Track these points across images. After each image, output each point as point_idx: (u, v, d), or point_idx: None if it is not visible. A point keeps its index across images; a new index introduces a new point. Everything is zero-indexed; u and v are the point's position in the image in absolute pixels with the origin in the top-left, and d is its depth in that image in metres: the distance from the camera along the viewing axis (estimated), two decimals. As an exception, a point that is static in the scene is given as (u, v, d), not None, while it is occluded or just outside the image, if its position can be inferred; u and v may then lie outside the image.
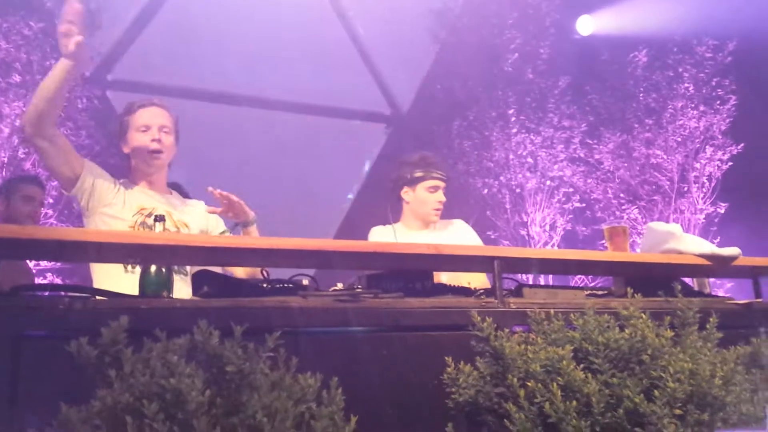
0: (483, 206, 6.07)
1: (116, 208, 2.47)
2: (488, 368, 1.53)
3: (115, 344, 1.28)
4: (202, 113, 5.48)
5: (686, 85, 6.41)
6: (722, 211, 6.05)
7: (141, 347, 1.29)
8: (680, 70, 6.42)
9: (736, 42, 6.26)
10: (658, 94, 6.48)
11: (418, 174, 3.08)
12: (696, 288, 2.76)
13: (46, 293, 1.78)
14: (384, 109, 6.41)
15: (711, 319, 1.67)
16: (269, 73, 5.71)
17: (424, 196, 3.09)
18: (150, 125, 2.58)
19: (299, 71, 5.79)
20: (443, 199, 3.12)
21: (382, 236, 3.10)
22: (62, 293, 1.71)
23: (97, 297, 1.77)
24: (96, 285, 2.27)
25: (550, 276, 4.57)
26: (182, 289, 2.30)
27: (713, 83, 6.35)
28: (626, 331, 1.47)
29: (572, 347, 1.45)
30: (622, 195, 6.31)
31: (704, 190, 6.22)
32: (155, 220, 2.26)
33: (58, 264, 4.49)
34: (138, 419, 1.12)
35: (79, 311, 1.52)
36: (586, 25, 6.91)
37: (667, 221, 6.12)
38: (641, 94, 6.49)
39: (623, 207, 6.26)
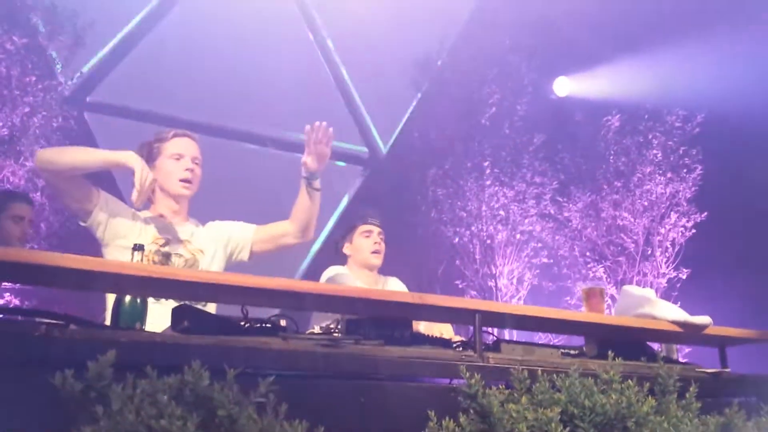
0: (453, 255, 6.11)
1: (131, 239, 2.45)
2: (473, 426, 1.52)
3: (100, 379, 1.24)
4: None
5: (655, 151, 6.61)
6: (684, 277, 6.19)
7: (123, 381, 1.26)
8: (650, 136, 6.63)
9: (704, 114, 6.50)
10: (627, 158, 6.67)
11: (351, 225, 3.31)
12: (663, 353, 2.80)
13: (18, 317, 1.73)
14: (362, 152, 6.45)
15: (691, 389, 1.70)
16: (250, 107, 5.72)
17: (359, 242, 3.26)
18: (183, 155, 2.58)
19: (282, 107, 5.81)
20: (379, 241, 3.26)
21: (340, 273, 3.16)
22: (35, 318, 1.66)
23: (71, 325, 1.72)
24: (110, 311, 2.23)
25: (514, 331, 4.59)
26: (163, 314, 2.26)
27: (681, 152, 6.56)
28: (612, 396, 1.48)
29: (559, 410, 1.46)
30: (588, 254, 6.42)
31: (667, 254, 6.36)
32: (134, 249, 2.23)
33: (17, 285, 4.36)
34: (125, 460, 1.08)
35: (56, 340, 1.47)
36: (563, 87, 7.12)
37: (631, 283, 6.24)
38: (611, 157, 6.67)
39: (589, 265, 6.37)
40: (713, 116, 6.45)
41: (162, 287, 1.92)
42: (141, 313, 2.12)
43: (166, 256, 2.57)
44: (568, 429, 1.44)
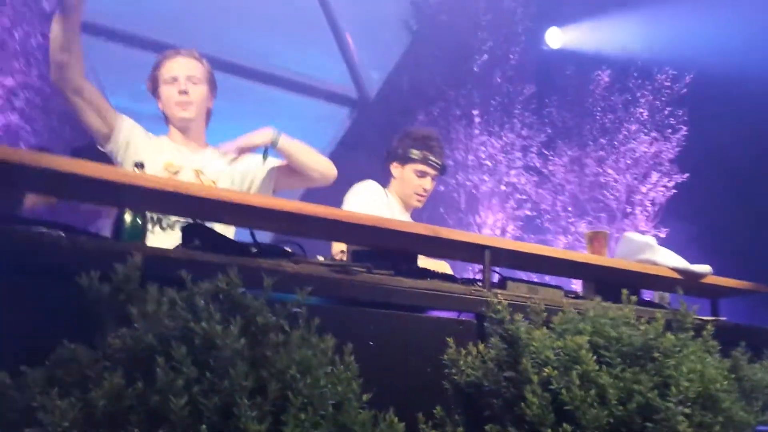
0: (437, 203, 6.08)
1: (148, 167, 2.35)
2: (496, 352, 1.51)
3: (129, 282, 1.18)
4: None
5: (641, 110, 6.62)
6: (662, 236, 6.28)
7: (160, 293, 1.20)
8: (638, 94, 6.63)
9: (693, 75, 6.50)
10: (614, 115, 6.67)
11: (411, 153, 2.95)
12: (656, 301, 2.83)
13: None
14: (351, 92, 6.32)
15: (708, 327, 1.71)
16: (233, 36, 5.51)
17: (410, 177, 2.97)
18: (177, 77, 2.47)
19: (264, 38, 5.63)
20: (429, 187, 3.01)
21: (375, 191, 2.94)
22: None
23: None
24: None
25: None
26: (164, 243, 2.19)
27: (666, 112, 6.58)
28: (642, 327, 1.48)
29: (587, 337, 1.45)
30: (570, 209, 6.46)
31: (647, 213, 6.43)
32: (135, 166, 2.14)
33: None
34: (163, 364, 1.03)
35: (84, 249, 1.40)
36: (556, 38, 7.03)
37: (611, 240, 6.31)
38: (599, 113, 6.66)
39: (570, 220, 6.41)
40: (701, 77, 6.46)
41: (166, 201, 1.84)
42: (141, 233, 2.06)
43: (139, 167, 2.44)
44: (594, 358, 1.43)
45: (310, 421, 1.04)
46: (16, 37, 4.43)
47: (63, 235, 1.39)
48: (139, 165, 2.14)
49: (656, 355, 1.45)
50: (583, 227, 6.24)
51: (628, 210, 6.45)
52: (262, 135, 2.45)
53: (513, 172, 6.24)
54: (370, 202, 2.85)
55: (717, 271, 2.65)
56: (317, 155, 2.60)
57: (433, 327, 1.90)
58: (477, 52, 6.36)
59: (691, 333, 1.67)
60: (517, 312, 1.68)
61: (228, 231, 2.32)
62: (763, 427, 1.72)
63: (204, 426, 0.96)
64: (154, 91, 2.52)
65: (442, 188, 6.20)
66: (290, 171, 2.58)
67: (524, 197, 6.30)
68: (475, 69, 6.32)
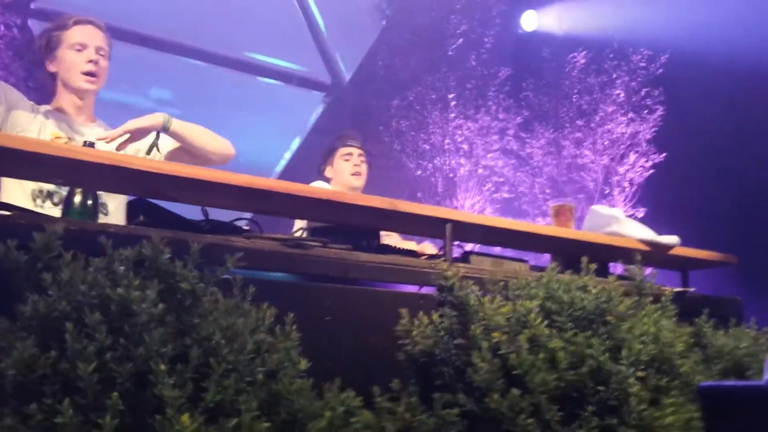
0: (415, 188, 6.04)
1: (31, 135, 2.23)
2: (447, 320, 1.46)
3: (48, 251, 1.12)
4: (127, 56, 5.14)
5: (618, 91, 6.59)
6: (640, 216, 6.26)
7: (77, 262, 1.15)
8: (614, 76, 6.59)
9: (668, 55, 6.48)
10: (590, 97, 6.64)
11: (332, 146, 3.26)
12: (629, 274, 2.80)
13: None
14: (324, 77, 6.25)
15: (666, 292, 1.67)
16: (205, 22, 5.43)
17: (339, 165, 3.23)
18: (86, 44, 2.35)
19: (237, 24, 5.55)
20: (359, 162, 3.22)
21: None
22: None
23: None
24: None
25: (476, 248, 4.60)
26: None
27: (643, 93, 6.56)
28: (592, 291, 1.43)
29: (538, 302, 1.41)
30: (548, 190, 6.43)
31: (625, 194, 6.42)
32: (84, 145, 2.06)
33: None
34: (77, 329, 0.98)
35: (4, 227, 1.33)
36: (531, 21, 6.99)
37: (588, 221, 6.28)
38: (575, 95, 6.62)
39: (548, 202, 6.38)
40: (677, 56, 6.44)
41: (107, 177, 1.76)
42: (92, 214, 1.99)
43: (89, 146, 2.33)
44: (546, 323, 1.39)
45: (234, 388, 0.99)
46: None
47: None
48: (89, 144, 2.07)
49: (609, 318, 1.41)
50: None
51: (606, 191, 6.43)
52: (152, 119, 2.32)
53: (490, 155, 6.20)
54: None
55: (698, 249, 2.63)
56: (214, 136, 2.48)
57: (393, 301, 1.85)
58: (451, 36, 6.30)
59: (649, 299, 1.63)
60: (475, 283, 1.64)
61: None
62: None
63: (116, 393, 0.91)
64: (50, 51, 2.37)
65: (419, 173, 6.17)
66: (186, 154, 2.49)
67: (502, 180, 6.26)
68: (450, 53, 6.27)
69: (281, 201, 1.98)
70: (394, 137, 6.16)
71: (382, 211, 2.04)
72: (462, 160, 6.13)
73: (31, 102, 2.34)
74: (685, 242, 2.60)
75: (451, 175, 6.10)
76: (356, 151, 3.25)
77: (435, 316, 1.55)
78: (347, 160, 3.23)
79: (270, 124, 5.36)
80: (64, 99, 2.39)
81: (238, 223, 2.03)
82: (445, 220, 2.06)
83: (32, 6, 5.10)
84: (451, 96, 6.18)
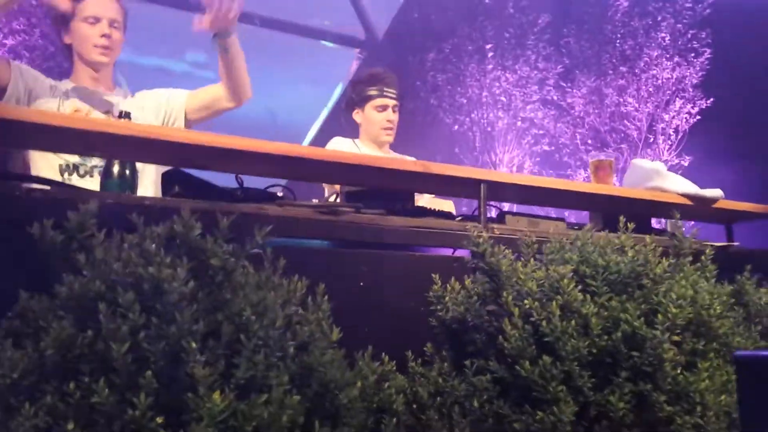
0: (452, 143, 5.97)
1: (51, 110, 2.28)
2: (479, 286, 1.45)
3: (83, 230, 1.15)
4: (162, 19, 5.14)
5: (663, 34, 6.35)
6: (686, 164, 6.10)
7: (112, 236, 1.17)
8: (659, 18, 6.35)
9: (716, -6, 6.21)
10: (634, 42, 6.42)
11: (366, 93, 2.98)
12: (670, 231, 2.74)
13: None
14: (358, 32, 6.16)
15: (707, 251, 1.63)
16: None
17: (372, 115, 2.99)
18: (100, 17, 2.36)
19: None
20: (393, 117, 3.00)
21: (342, 147, 2.95)
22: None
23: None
24: None
25: (514, 207, 4.55)
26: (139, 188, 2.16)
27: (689, 35, 6.30)
28: (628, 254, 1.41)
29: (571, 267, 1.39)
30: (590, 141, 6.29)
31: (670, 142, 6.24)
32: (120, 116, 2.09)
33: None
34: (111, 309, 1.00)
35: (39, 199, 1.38)
36: (571, -36, 6.73)
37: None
38: (618, 41, 6.41)
39: (591, 153, 6.25)
40: (726, -4, 6.16)
41: (142, 149, 1.80)
42: (131, 184, 2.02)
43: (125, 117, 2.39)
44: (579, 288, 1.37)
45: (265, 364, 1.01)
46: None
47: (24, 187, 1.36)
48: (125, 114, 2.10)
49: (645, 282, 1.38)
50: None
51: (651, 139, 6.26)
52: (232, 13, 2.34)
53: (529, 107, 6.07)
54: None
55: (744, 199, 2.55)
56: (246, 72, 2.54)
57: (427, 265, 1.85)
58: (488, -18, 6.13)
59: (689, 258, 1.59)
60: (511, 246, 1.62)
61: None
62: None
63: (149, 372, 0.94)
64: (64, 23, 2.40)
65: (456, 127, 6.08)
66: (202, 101, 2.52)
67: (542, 132, 6.14)
68: (487, 1, 6.09)
69: (314, 167, 1.99)
70: (431, 92, 6.08)
71: (415, 174, 2.03)
72: (500, 113, 6.02)
73: (50, 80, 2.38)
74: (732, 192, 2.52)
75: (489, 129, 6.00)
76: (392, 103, 3.00)
77: (467, 282, 1.55)
78: (382, 111, 2.98)
79: (306, 82, 5.33)
80: (81, 71, 2.43)
81: (272, 190, 2.05)
82: (479, 181, 2.04)
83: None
84: (488, 47, 6.04)
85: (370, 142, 3.03)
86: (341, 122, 3.17)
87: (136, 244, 1.09)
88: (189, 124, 2.57)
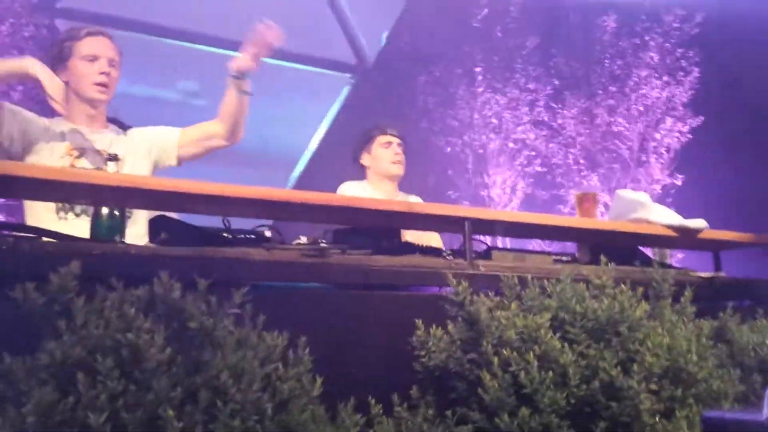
0: (445, 165, 6.00)
1: (44, 155, 2.31)
2: (460, 333, 1.47)
3: (65, 292, 1.17)
4: (153, 49, 5.18)
5: (651, 53, 6.41)
6: (678, 183, 6.13)
7: (94, 296, 1.19)
8: (647, 38, 6.40)
9: (704, 14, 6.26)
10: (623, 62, 6.47)
11: (370, 135, 3.22)
12: (657, 259, 2.77)
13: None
14: (349, 58, 6.21)
15: (686, 293, 1.65)
16: (229, 11, 5.43)
17: (379, 153, 3.20)
18: (99, 56, 2.41)
19: (262, 11, 5.53)
20: (399, 150, 3.20)
21: (354, 191, 3.12)
22: (4, 231, 1.58)
23: (45, 239, 1.64)
24: None
25: (507, 239, 4.57)
26: (130, 229, 2.18)
27: (678, 54, 6.36)
28: (605, 301, 1.42)
29: (549, 315, 1.41)
30: (582, 161, 6.32)
31: (662, 161, 6.28)
32: (108, 159, 2.11)
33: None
34: (90, 375, 1.02)
35: (25, 253, 1.39)
36: (558, -14, 6.81)
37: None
38: (607, 61, 6.46)
39: (583, 173, 6.29)
40: (712, 16, 6.21)
41: (136, 197, 1.82)
42: (119, 226, 2.04)
43: (112, 159, 2.42)
44: (558, 335, 1.39)
45: (242, 428, 1.03)
46: (3, 30, 4.41)
47: (11, 238, 1.38)
48: (113, 157, 2.12)
49: (621, 329, 1.40)
50: (595, 180, 6.12)
51: (642, 159, 6.30)
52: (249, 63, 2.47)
53: (520, 128, 6.11)
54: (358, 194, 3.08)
55: (738, 217, 2.57)
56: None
57: (413, 304, 1.87)
58: (476, 7, 6.18)
59: (669, 300, 1.62)
60: (496, 284, 1.64)
61: None
62: None
63: (127, 441, 0.95)
64: (61, 61, 2.44)
65: (448, 150, 6.12)
66: (195, 139, 2.58)
67: (533, 153, 6.17)
68: (475, 24, 6.15)
69: (300, 210, 2.02)
70: (422, 115, 6.12)
71: (400, 213, 2.05)
72: (492, 135, 6.06)
73: (44, 121, 2.40)
74: (725, 211, 2.55)
75: (481, 150, 6.04)
76: (396, 140, 3.22)
77: (450, 327, 1.56)
78: (387, 147, 3.20)
79: (297, 108, 5.35)
80: (76, 110, 2.46)
81: (260, 229, 2.07)
82: (464, 219, 2.06)
83: (58, 6, 5.18)
84: (477, 69, 6.08)
85: (382, 178, 3.22)
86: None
87: (115, 309, 1.11)
88: (180, 161, 2.61)
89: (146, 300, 1.15)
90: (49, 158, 2.32)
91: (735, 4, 6.02)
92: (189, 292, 1.22)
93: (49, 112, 2.55)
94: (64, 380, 1.05)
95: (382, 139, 3.21)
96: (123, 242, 1.92)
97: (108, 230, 2.01)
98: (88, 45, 2.40)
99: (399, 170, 3.21)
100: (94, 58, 2.38)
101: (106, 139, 2.46)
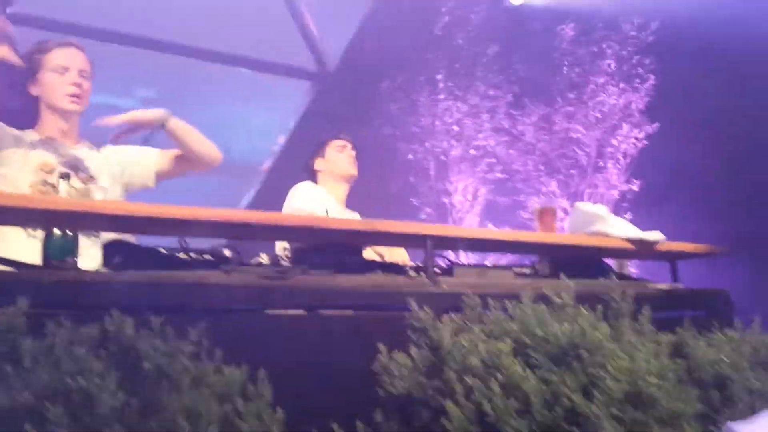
0: (407, 172, 6.01)
1: (15, 168, 2.25)
2: (423, 360, 1.46)
3: (12, 331, 1.12)
4: (113, 57, 5.08)
5: (608, 61, 6.50)
6: (635, 189, 6.24)
7: (43, 328, 1.15)
8: (604, 46, 6.49)
9: (659, 22, 6.38)
10: (581, 69, 6.54)
11: (323, 140, 3.35)
12: (616, 269, 2.81)
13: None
14: (309, 65, 6.17)
15: (644, 313, 1.67)
16: (188, 19, 5.36)
17: (334, 155, 3.32)
18: (69, 67, 2.37)
19: (220, 18, 5.47)
20: (353, 153, 3.33)
21: (309, 192, 3.21)
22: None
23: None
24: None
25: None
26: (90, 251, 2.12)
27: (634, 61, 6.47)
28: (565, 326, 1.43)
29: (511, 341, 1.40)
30: (541, 167, 6.38)
31: (619, 167, 6.38)
32: (60, 177, 2.06)
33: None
34: (39, 423, 0.98)
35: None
36: (518, -6, 6.87)
37: (582, 196, 6.27)
38: (565, 68, 6.53)
39: (542, 179, 6.35)
40: (667, 23, 6.33)
41: (84, 220, 1.78)
42: (72, 246, 1.99)
43: (52, 188, 2.38)
44: (520, 358, 1.39)
45: (199, 473, 1.00)
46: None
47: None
48: (65, 175, 2.07)
49: (582, 353, 1.41)
50: (554, 186, 6.19)
51: (600, 164, 6.39)
52: (154, 113, 2.42)
53: (481, 135, 6.15)
54: (312, 202, 3.12)
55: (693, 221, 2.62)
56: (205, 139, 2.55)
57: (377, 324, 1.85)
58: (438, 14, 6.20)
59: (628, 320, 1.63)
60: (457, 302, 1.64)
61: None
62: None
63: (78, 494, 0.91)
64: (31, 75, 2.39)
65: (410, 156, 6.12)
66: (176, 158, 2.55)
67: (494, 159, 6.22)
68: (438, 32, 6.17)
69: (260, 229, 2.00)
70: (385, 121, 6.11)
71: (362, 232, 2.04)
72: (453, 142, 6.09)
73: (14, 131, 2.34)
74: (683, 215, 2.59)
75: (442, 157, 6.06)
76: (349, 145, 3.36)
77: (413, 352, 1.55)
78: (341, 152, 3.32)
79: (259, 116, 5.30)
80: (49, 122, 2.42)
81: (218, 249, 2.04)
82: (425, 236, 2.06)
83: (8, 11, 5.02)
84: (439, 77, 6.11)
85: (337, 179, 3.30)
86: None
87: (65, 349, 1.07)
88: (159, 180, 2.57)
89: (97, 338, 1.11)
90: (20, 171, 2.27)
91: (689, 13, 6.15)
92: (143, 325, 1.18)
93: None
94: (12, 427, 1.01)
95: (336, 143, 3.34)
96: (75, 266, 1.87)
97: (60, 251, 1.96)
98: (57, 56, 2.36)
99: (354, 170, 3.32)
100: (64, 70, 2.35)
101: (79, 155, 2.41)
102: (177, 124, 2.42)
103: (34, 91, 2.43)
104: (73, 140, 2.46)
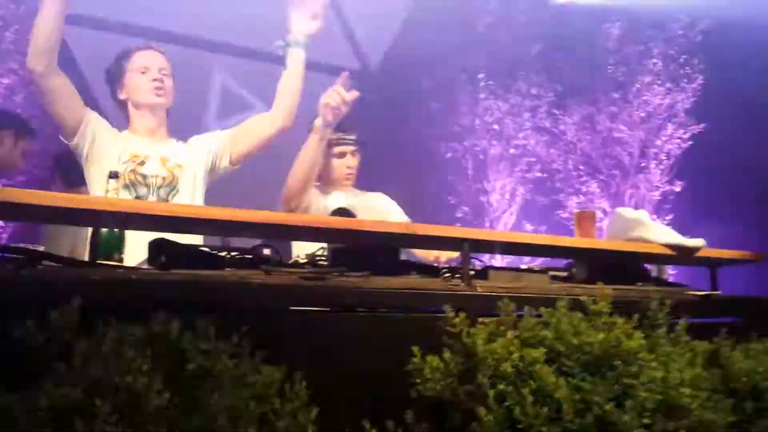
0: (445, 170, 6.02)
1: (112, 161, 2.47)
2: (456, 364, 1.49)
3: (66, 330, 1.18)
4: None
5: (655, 60, 6.39)
6: (678, 190, 6.13)
7: (91, 325, 1.21)
8: (650, 45, 6.39)
9: (708, 21, 6.24)
10: (626, 68, 6.45)
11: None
12: (655, 274, 2.78)
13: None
14: (352, 63, 6.21)
15: (681, 324, 1.66)
16: (220, 13, 5.40)
17: (332, 162, 3.11)
18: (149, 67, 2.61)
19: (258, 14, 5.53)
20: (352, 163, 3.13)
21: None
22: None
23: (45, 262, 1.67)
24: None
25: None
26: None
27: (681, 60, 6.35)
28: (600, 335, 1.44)
29: (545, 349, 1.42)
30: (582, 167, 6.32)
31: (662, 167, 6.27)
32: (110, 176, 2.16)
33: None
34: (89, 419, 1.04)
35: (24, 279, 1.42)
36: (562, -7, 6.80)
37: (623, 196, 6.18)
38: (610, 67, 6.44)
39: (582, 179, 6.28)
40: (717, 23, 6.20)
41: (137, 221, 1.85)
42: (119, 242, 2.09)
43: (143, 177, 2.54)
44: (554, 366, 1.40)
45: (238, 472, 1.04)
46: (8, 36, 4.43)
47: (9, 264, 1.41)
48: (114, 174, 2.16)
49: (616, 362, 1.41)
50: (594, 186, 6.12)
51: (643, 164, 6.29)
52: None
53: (521, 134, 6.11)
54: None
55: (738, 224, 2.60)
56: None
57: (411, 325, 1.88)
58: (481, 13, 6.18)
59: (664, 329, 1.63)
60: (492, 305, 1.65)
61: None
62: None
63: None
64: (117, 81, 2.60)
65: (449, 155, 6.13)
66: (245, 131, 2.74)
67: (534, 159, 6.17)
68: (480, 30, 6.15)
69: (299, 231, 2.05)
70: (425, 120, 6.12)
71: (399, 234, 2.08)
72: (493, 141, 6.06)
73: (115, 129, 2.57)
74: (727, 217, 2.55)
75: (481, 156, 6.05)
76: (350, 149, 3.12)
77: (446, 355, 1.58)
78: (340, 158, 3.12)
79: (301, 114, 5.34)
80: (139, 121, 2.63)
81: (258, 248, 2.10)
82: (462, 240, 2.08)
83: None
84: (480, 76, 6.08)
85: (329, 185, 3.13)
86: None
87: (114, 349, 1.12)
88: (235, 159, 2.77)
89: (144, 338, 1.16)
90: (112, 164, 2.46)
91: (739, 12, 6.01)
92: (187, 325, 1.23)
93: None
94: (63, 423, 1.06)
95: (335, 149, 3.12)
96: (122, 263, 1.95)
97: (107, 246, 2.05)
98: (138, 59, 2.61)
99: (349, 182, 3.18)
100: (145, 70, 2.58)
101: (168, 147, 2.63)
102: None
103: (121, 96, 2.66)
104: (163, 135, 2.69)
